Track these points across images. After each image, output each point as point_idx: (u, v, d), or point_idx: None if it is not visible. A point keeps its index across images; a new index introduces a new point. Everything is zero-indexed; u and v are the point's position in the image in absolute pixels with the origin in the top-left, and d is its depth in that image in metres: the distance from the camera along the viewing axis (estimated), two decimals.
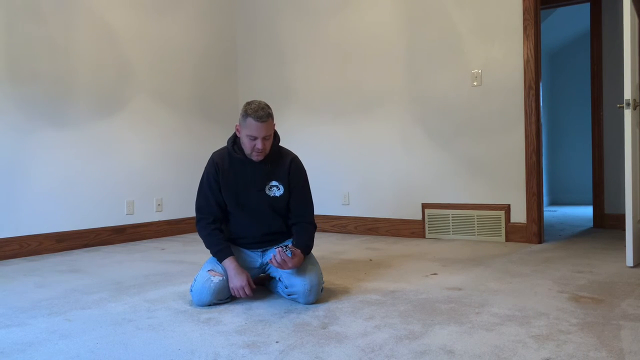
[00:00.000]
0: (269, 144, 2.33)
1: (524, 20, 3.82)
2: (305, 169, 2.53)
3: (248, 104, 2.28)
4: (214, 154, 2.45)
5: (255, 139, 2.27)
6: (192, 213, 4.65)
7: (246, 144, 2.30)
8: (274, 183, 2.39)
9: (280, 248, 2.21)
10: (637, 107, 3.05)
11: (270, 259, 2.26)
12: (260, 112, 2.24)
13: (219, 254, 2.33)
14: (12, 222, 3.67)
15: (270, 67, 5.12)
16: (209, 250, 2.38)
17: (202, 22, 5.04)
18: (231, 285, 2.29)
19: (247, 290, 2.27)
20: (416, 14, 4.29)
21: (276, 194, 2.39)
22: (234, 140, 2.40)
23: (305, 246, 2.34)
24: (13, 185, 3.69)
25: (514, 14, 3.87)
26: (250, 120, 2.24)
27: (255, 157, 2.32)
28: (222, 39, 5.25)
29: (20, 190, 3.72)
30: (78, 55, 4.07)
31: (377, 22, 4.48)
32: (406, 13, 4.34)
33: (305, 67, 4.90)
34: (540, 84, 3.85)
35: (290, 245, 2.28)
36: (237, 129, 2.36)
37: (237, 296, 2.29)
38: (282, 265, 2.22)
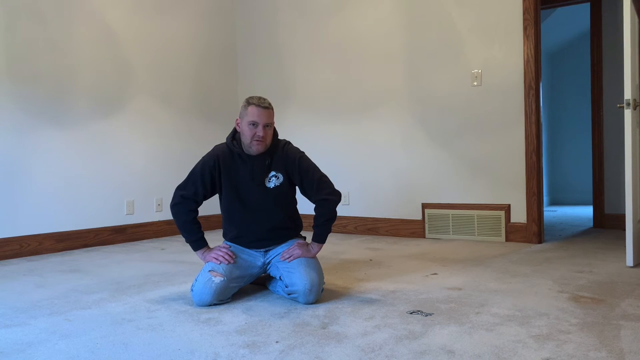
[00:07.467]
0: (269, 135, 2.34)
1: (524, 20, 3.82)
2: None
3: (249, 97, 2.36)
4: (216, 147, 2.46)
5: (256, 125, 2.29)
6: None
7: (247, 133, 2.31)
8: (272, 174, 2.39)
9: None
10: (637, 107, 3.05)
11: (281, 254, 2.38)
12: (263, 100, 2.34)
13: (196, 243, 2.41)
14: (12, 222, 3.67)
15: (270, 67, 5.12)
16: (181, 234, 2.43)
17: (202, 22, 5.04)
18: (213, 255, 2.36)
19: (230, 254, 2.35)
20: (416, 13, 4.29)
21: (276, 184, 2.39)
22: (233, 136, 2.42)
23: (320, 231, 2.38)
24: (13, 184, 3.69)
25: (514, 14, 3.87)
26: (252, 108, 2.30)
27: (255, 147, 2.32)
28: (222, 39, 5.25)
29: (20, 190, 3.72)
30: (78, 56, 4.07)
31: (377, 21, 4.48)
32: (406, 13, 4.34)
33: (305, 67, 4.90)
34: (540, 84, 3.85)
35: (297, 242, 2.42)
36: (237, 124, 2.38)
37: (219, 263, 2.33)
38: (290, 253, 2.36)
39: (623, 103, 3.11)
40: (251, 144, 2.32)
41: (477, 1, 4.02)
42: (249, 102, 2.33)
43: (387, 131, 4.45)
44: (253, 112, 2.29)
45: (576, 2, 4.80)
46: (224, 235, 2.53)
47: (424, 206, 4.27)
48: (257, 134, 2.29)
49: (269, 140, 2.35)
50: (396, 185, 4.41)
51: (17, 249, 3.67)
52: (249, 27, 5.28)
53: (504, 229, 3.92)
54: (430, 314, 2.08)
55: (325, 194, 2.36)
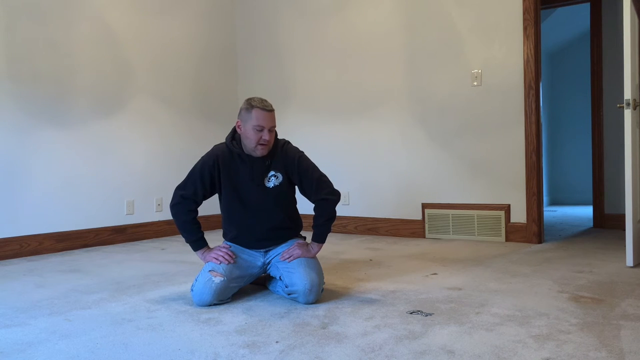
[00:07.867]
0: (272, 137, 2.34)
1: (524, 20, 3.82)
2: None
3: (250, 99, 2.34)
4: (215, 147, 2.45)
5: (262, 129, 2.28)
6: None
7: (252, 137, 2.29)
8: (271, 173, 2.39)
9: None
10: (637, 107, 3.05)
11: (281, 254, 2.38)
12: (266, 103, 2.32)
13: (196, 243, 2.40)
14: (12, 222, 3.67)
15: (270, 67, 5.12)
16: (181, 234, 2.43)
17: (202, 22, 5.04)
18: (213, 255, 2.36)
19: (230, 254, 2.35)
20: (416, 13, 4.29)
21: (275, 184, 2.39)
22: (233, 136, 2.41)
23: (320, 231, 2.38)
24: (13, 184, 3.69)
25: (514, 14, 3.87)
26: (257, 111, 2.28)
27: (260, 151, 2.31)
28: (222, 39, 5.25)
29: (21, 190, 3.72)
30: (78, 55, 4.07)
31: (377, 22, 4.48)
32: (406, 13, 4.34)
33: (305, 67, 4.90)
34: (540, 84, 3.85)
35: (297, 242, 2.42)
36: (237, 126, 2.36)
37: (219, 263, 2.33)
38: (290, 253, 2.35)
39: (623, 103, 3.11)
40: (256, 148, 2.31)
41: (477, 1, 4.02)
42: (251, 104, 2.29)
43: (387, 131, 4.45)
44: (258, 116, 2.27)
45: (576, 2, 4.80)
46: (224, 235, 2.53)
47: (424, 206, 4.27)
48: (264, 138, 2.28)
49: (272, 142, 2.35)
50: (396, 185, 4.41)
51: (17, 249, 3.67)
52: (249, 27, 5.28)
53: (504, 229, 3.92)
54: (430, 314, 2.08)
55: (325, 194, 2.36)
